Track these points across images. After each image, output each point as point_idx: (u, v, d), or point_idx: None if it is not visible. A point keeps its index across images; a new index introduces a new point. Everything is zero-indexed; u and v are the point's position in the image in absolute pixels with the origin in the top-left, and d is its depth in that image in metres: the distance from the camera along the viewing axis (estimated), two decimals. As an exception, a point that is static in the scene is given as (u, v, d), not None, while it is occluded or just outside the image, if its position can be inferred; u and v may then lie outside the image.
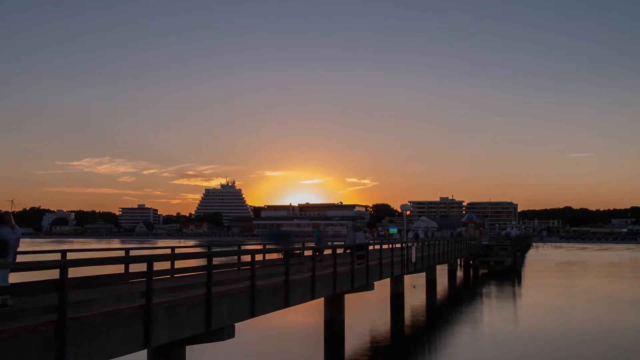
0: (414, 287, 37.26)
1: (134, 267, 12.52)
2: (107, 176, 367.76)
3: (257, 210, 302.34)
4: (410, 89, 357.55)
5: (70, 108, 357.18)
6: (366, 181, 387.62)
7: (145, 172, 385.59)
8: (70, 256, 13.36)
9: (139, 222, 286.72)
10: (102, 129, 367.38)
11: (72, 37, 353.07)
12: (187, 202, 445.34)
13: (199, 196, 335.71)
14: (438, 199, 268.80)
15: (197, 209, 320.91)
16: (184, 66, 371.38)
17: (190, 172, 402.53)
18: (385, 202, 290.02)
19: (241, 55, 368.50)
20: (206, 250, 14.50)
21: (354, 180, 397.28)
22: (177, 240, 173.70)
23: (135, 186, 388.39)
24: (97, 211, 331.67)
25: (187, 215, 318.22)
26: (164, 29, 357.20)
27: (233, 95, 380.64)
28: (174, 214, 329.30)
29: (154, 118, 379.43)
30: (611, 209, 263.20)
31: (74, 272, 8.49)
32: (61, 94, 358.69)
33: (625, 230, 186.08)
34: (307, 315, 25.31)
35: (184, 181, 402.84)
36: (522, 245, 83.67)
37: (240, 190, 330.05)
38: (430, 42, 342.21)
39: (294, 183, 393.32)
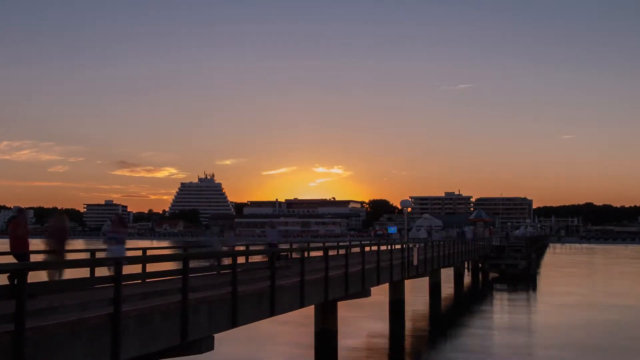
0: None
1: (101, 271, 12.55)
2: (31, 164, 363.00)
3: (239, 206, 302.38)
4: (405, 70, 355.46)
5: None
6: (337, 170, 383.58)
7: (72, 159, 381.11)
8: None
9: (107, 221, 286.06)
10: (21, 110, 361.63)
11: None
12: (140, 198, 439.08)
13: (146, 187, 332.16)
14: (443, 194, 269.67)
15: (172, 205, 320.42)
16: (119, 45, 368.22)
17: (127, 160, 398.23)
18: (383, 198, 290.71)
19: (184, 33, 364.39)
20: (182, 252, 14.56)
21: (322, 169, 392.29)
22: (150, 240, 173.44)
23: (72, 177, 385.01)
24: (59, 208, 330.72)
25: (161, 212, 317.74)
26: (97, 5, 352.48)
27: (173, 75, 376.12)
28: (145, 211, 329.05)
29: (83, 99, 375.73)
30: (638, 205, 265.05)
31: (33, 277, 8.51)
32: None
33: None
34: (296, 325, 25.39)
35: (126, 172, 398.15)
36: (537, 247, 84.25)
37: (220, 184, 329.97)
38: (432, 19, 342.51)
39: (252, 173, 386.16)
